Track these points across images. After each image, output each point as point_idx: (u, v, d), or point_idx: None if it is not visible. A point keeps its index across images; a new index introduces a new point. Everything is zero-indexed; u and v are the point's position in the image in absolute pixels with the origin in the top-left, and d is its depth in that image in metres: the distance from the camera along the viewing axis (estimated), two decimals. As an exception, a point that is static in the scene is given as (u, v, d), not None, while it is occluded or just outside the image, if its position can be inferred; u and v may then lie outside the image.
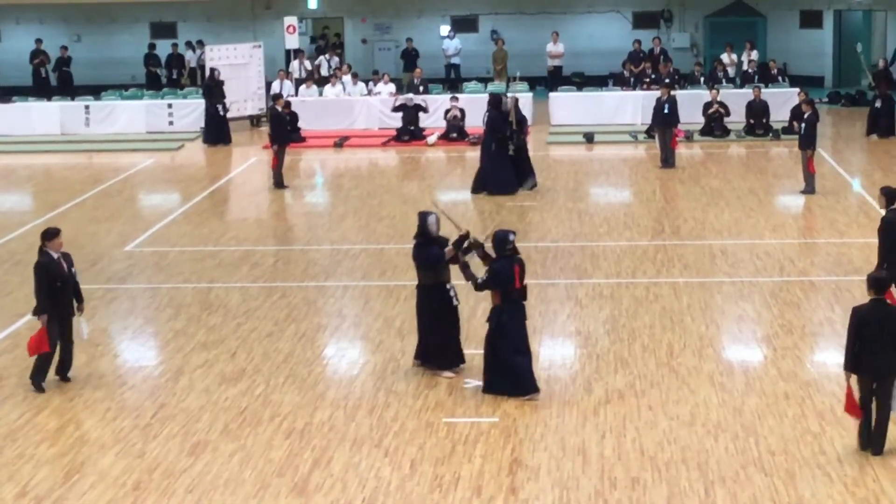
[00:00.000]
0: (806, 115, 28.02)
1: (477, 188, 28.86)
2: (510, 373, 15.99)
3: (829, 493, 13.12)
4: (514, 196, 28.31)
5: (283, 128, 31.02)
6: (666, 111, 31.65)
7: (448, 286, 16.80)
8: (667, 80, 36.97)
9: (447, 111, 36.91)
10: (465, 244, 16.59)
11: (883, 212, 18.32)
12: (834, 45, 47.12)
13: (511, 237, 16.16)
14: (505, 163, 28.86)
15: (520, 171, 29.09)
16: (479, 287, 16.18)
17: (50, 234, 16.99)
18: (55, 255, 16.92)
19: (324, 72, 43.20)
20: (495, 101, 29.45)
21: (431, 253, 16.66)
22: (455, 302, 16.83)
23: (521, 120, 29.56)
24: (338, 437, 14.90)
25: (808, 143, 27.65)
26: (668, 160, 31.48)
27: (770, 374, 16.66)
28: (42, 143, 38.19)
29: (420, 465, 14.07)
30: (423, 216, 16.98)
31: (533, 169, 29.49)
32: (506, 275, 15.97)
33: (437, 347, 16.88)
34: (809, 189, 27.72)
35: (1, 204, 30.99)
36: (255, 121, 40.23)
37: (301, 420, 15.46)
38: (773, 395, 15.88)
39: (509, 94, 31.47)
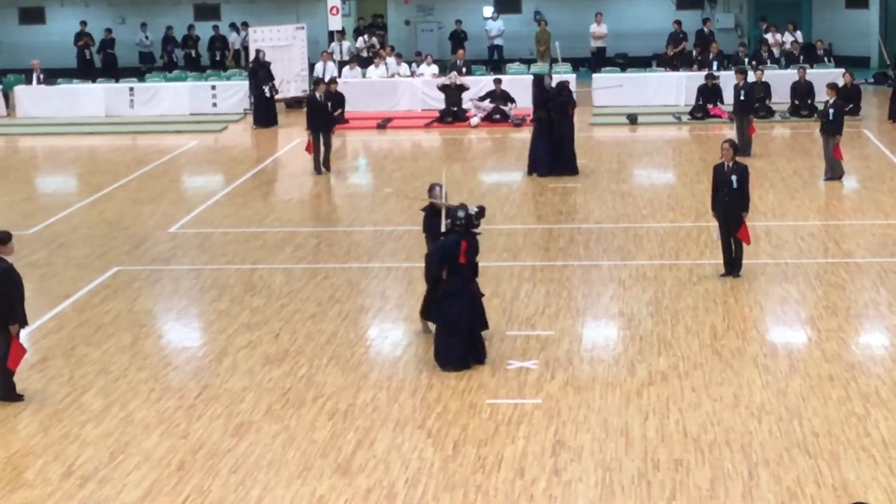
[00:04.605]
0: (832, 101, 27.33)
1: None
2: (435, 343, 16.57)
3: (873, 476, 13.05)
4: (559, 178, 28.20)
5: (317, 114, 30.19)
6: (742, 98, 30.76)
7: None
8: (755, 64, 36.63)
9: (487, 94, 36.82)
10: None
11: (731, 163, 19.89)
12: (880, 26, 46.76)
13: (460, 213, 16.34)
14: (541, 142, 28.76)
15: (557, 154, 28.78)
16: (431, 272, 16.68)
17: (3, 239, 15.51)
18: (10, 261, 15.49)
19: (364, 53, 43.24)
20: (537, 80, 29.39)
21: (436, 226, 17.04)
22: None
23: (557, 101, 29.11)
24: (381, 418, 14.93)
25: (836, 128, 27.14)
26: (744, 149, 30.16)
27: (814, 356, 16.59)
28: (87, 125, 38.40)
29: (463, 446, 14.09)
30: (431, 188, 17.63)
31: (570, 158, 29.02)
32: (448, 250, 16.25)
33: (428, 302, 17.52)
34: (837, 175, 27.21)
35: (46, 186, 31.21)
36: (303, 103, 40.10)
37: (344, 401, 15.49)
38: (817, 377, 15.81)
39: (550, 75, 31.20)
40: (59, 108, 39.89)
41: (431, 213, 17.50)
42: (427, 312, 17.59)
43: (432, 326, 17.21)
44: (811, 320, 18.10)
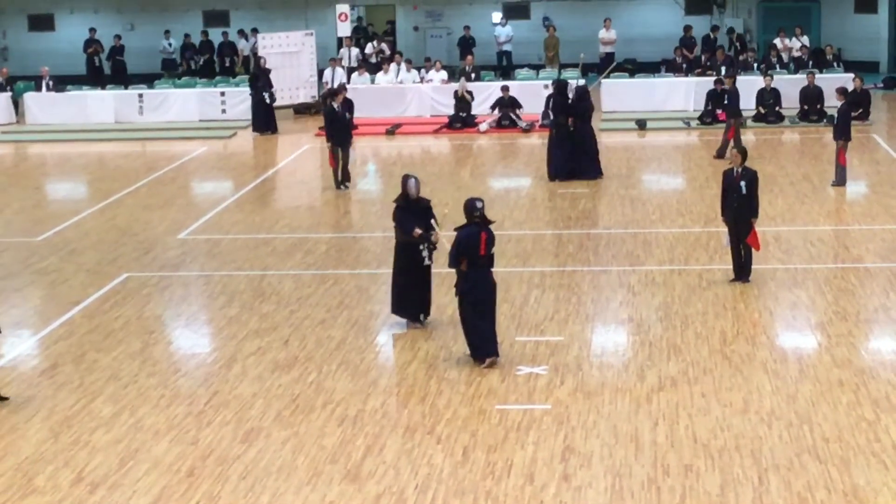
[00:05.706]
0: (839, 105, 27.42)
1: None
2: (473, 336, 16.67)
3: (884, 481, 13.03)
4: (568, 183, 28.18)
5: (337, 126, 29.20)
6: (726, 101, 30.70)
7: (421, 247, 17.78)
8: (764, 69, 37.11)
9: (496, 102, 36.81)
10: (428, 243, 17.84)
11: (740, 169, 19.93)
12: (889, 30, 46.72)
13: (479, 204, 16.63)
14: (559, 148, 28.75)
15: (577, 159, 28.70)
16: (450, 262, 16.70)
17: None
18: None
19: (373, 59, 43.28)
20: (559, 86, 29.40)
21: (406, 221, 17.79)
22: (427, 262, 17.82)
23: (580, 107, 29.08)
24: (390, 424, 14.93)
25: (840, 132, 27.07)
26: (720, 151, 30.30)
27: (824, 362, 16.56)
28: (96, 132, 38.47)
29: (473, 452, 14.08)
30: (404, 179, 18.06)
31: (590, 163, 28.92)
32: (471, 241, 16.44)
33: (397, 296, 18.39)
34: (835, 181, 27.16)
35: (56, 192, 31.25)
36: (311, 109, 40.14)
37: (354, 407, 15.49)
38: (827, 383, 15.78)
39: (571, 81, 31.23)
40: (68, 115, 39.96)
41: (405, 206, 17.89)
42: (399, 307, 18.44)
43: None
44: (821, 325, 18.08)
